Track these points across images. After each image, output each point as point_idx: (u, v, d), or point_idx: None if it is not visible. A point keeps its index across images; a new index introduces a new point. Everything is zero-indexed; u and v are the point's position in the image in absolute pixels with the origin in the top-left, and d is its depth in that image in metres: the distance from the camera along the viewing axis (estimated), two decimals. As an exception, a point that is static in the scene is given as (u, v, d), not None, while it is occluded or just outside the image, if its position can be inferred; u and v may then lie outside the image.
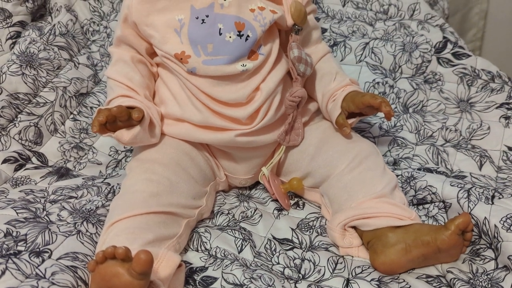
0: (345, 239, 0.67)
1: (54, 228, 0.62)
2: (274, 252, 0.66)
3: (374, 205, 0.67)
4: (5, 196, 0.71)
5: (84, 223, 0.65)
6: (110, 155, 0.90)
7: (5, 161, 0.78)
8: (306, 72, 0.73)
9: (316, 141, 0.76)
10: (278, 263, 0.64)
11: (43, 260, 0.56)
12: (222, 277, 0.61)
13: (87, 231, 0.64)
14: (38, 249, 0.58)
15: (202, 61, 0.68)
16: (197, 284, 0.60)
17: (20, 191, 0.74)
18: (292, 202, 0.79)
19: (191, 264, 0.64)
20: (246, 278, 0.59)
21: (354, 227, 0.68)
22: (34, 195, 0.72)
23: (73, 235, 0.62)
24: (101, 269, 0.50)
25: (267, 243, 0.68)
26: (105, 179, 0.79)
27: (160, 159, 0.71)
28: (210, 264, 0.63)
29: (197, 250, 0.67)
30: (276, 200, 0.78)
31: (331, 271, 0.63)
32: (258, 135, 0.73)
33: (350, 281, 0.61)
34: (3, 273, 0.53)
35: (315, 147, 0.76)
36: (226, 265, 0.62)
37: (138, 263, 0.48)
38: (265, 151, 0.78)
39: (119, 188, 0.75)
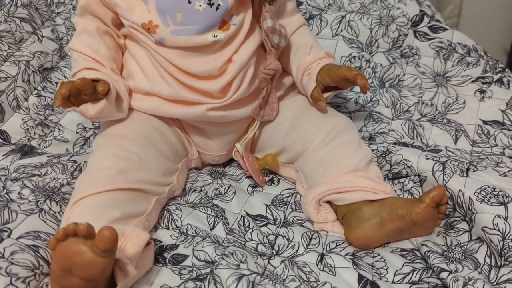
0: (319, 214, 0.66)
1: (14, 207, 0.59)
2: (247, 229, 0.65)
3: (349, 179, 0.65)
4: (-37, 175, 0.67)
5: (47, 201, 0.61)
6: (77, 133, 0.86)
7: (-37, 138, 0.74)
8: (280, 43, 0.70)
9: (291, 116, 0.74)
10: (252, 240, 0.63)
11: (2, 239, 0.53)
12: (193, 254, 0.59)
13: (50, 209, 0.60)
14: None
15: (171, 31, 0.65)
16: (167, 262, 0.58)
17: (-21, 170, 0.70)
18: (266, 178, 0.77)
19: (161, 242, 0.62)
20: (218, 255, 0.57)
21: (329, 202, 0.67)
22: (-7, 173, 0.68)
23: (35, 213, 0.59)
24: (62, 247, 0.47)
25: (240, 219, 0.66)
26: (71, 156, 0.75)
27: (128, 135, 0.67)
28: (181, 241, 0.61)
29: (168, 228, 0.64)
30: (250, 177, 0.76)
31: (305, 247, 0.62)
32: (230, 109, 0.71)
33: (325, 256, 0.60)
34: None
35: (290, 122, 0.74)
36: (197, 242, 0.60)
37: (102, 240, 0.46)
38: (238, 126, 0.75)
39: (86, 165, 0.72)
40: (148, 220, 0.62)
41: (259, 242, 0.62)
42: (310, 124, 0.72)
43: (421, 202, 0.61)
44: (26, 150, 0.78)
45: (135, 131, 0.68)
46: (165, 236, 0.63)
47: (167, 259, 0.59)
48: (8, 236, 0.54)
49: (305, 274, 0.57)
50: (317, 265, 0.59)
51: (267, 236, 0.64)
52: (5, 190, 0.62)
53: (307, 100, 0.76)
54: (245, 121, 0.75)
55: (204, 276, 0.55)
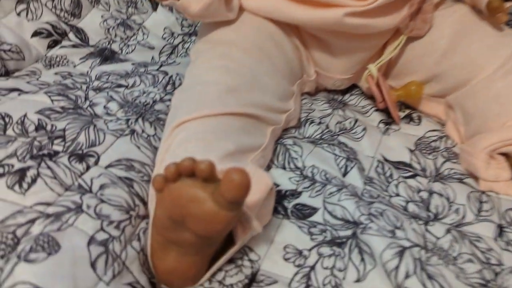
0: (489, 170, 0.49)
1: (100, 124, 0.46)
2: (389, 179, 0.49)
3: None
4: (37, 78, 0.55)
5: (140, 120, 0.48)
6: (163, 38, 0.71)
7: (36, 33, 0.61)
8: None
9: (450, 32, 0.55)
10: (398, 195, 0.47)
11: (88, 167, 0.41)
12: (325, 208, 0.44)
13: (143, 131, 0.47)
14: (81, 151, 0.42)
15: None
16: (289, 214, 0.44)
17: (56, 74, 0.57)
18: (401, 114, 0.60)
19: (277, 186, 0.48)
20: (363, 214, 0.42)
21: (506, 155, 0.49)
22: (73, 79, 0.55)
23: (126, 135, 0.46)
24: (173, 190, 0.34)
25: (377, 166, 0.51)
26: (160, 66, 0.61)
27: (238, 42, 0.52)
28: (306, 188, 0.47)
29: (284, 168, 0.50)
30: (381, 110, 0.59)
31: (476, 213, 0.45)
32: (373, 16, 0.52)
33: (504, 229, 0.44)
34: (34, 181, 0.37)
35: (448, 40, 0.55)
36: (331, 193, 0.45)
37: (230, 186, 0.31)
38: (375, 42, 0.57)
39: (180, 79, 0.58)
40: (263, 156, 0.48)
41: (408, 200, 0.47)
42: (480, 45, 0.53)
43: None
44: (106, 55, 0.65)
45: (246, 38, 0.52)
46: (282, 178, 0.48)
47: (289, 210, 0.45)
48: (96, 163, 0.41)
49: (482, 252, 0.42)
50: (495, 240, 0.43)
51: (417, 192, 0.48)
52: (87, 102, 0.49)
53: (472, 12, 0.55)
54: (385, 36, 0.57)
55: (344, 240, 0.41)
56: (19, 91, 0.50)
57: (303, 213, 0.44)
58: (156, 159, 0.44)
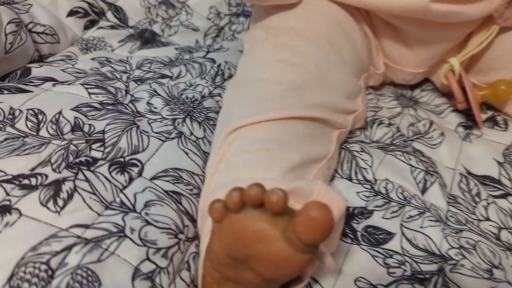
0: None
1: (144, 125, 0.40)
2: (477, 198, 0.41)
3: None
4: (73, 65, 0.49)
5: (187, 120, 0.42)
6: (209, 19, 0.64)
7: (72, 13, 0.55)
8: None
9: (555, 23, 0.46)
10: (488, 219, 0.40)
11: (131, 179, 0.35)
12: (403, 234, 0.37)
13: (191, 133, 0.41)
14: (122, 159, 0.36)
15: None
16: (359, 238, 0.38)
17: (93, 59, 0.51)
18: (483, 116, 0.52)
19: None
20: (453, 247, 0.36)
21: None
22: (111, 67, 0.49)
23: (173, 138, 0.39)
24: (235, 223, 0.28)
25: (460, 180, 0.43)
26: (207, 53, 0.54)
27: (302, 30, 0.44)
28: (378, 207, 0.40)
29: (350, 179, 0.43)
30: (457, 111, 0.51)
31: None
32: (464, 2, 0.44)
33: None
34: (70, 196, 0.32)
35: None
36: (411, 216, 0.38)
37: (310, 227, 0.25)
38: (459, 31, 0.49)
39: (229, 69, 0.51)
40: (328, 168, 0.41)
41: (501, 226, 0.39)
42: None
43: None
44: (147, 37, 0.58)
45: (312, 26, 0.45)
46: (348, 192, 0.42)
47: (359, 233, 0.38)
48: (139, 173, 0.35)
49: None
50: None
51: (511, 217, 0.40)
52: (129, 97, 0.43)
53: None
54: (472, 25, 0.49)
55: (428, 276, 0.35)
56: (54, 81, 0.45)
57: (376, 238, 0.38)
58: (206, 169, 0.38)
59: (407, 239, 0.37)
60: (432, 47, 0.50)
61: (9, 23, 0.46)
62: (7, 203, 0.31)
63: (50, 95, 0.42)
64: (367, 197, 0.41)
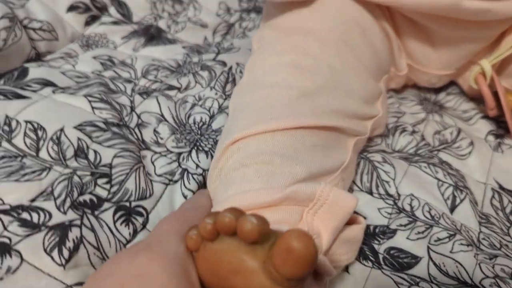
0: None
1: (147, 162, 0.36)
2: (511, 217, 0.37)
3: None
4: (73, 65, 0.46)
5: (193, 152, 0.38)
6: (218, 15, 0.60)
7: (72, 8, 0.52)
8: None
9: None
10: (525, 243, 0.36)
11: (135, 232, 0.32)
12: (431, 258, 0.34)
13: (197, 166, 0.37)
14: (128, 203, 0.33)
15: None
16: (381, 261, 0.34)
17: (95, 58, 0.48)
18: (514, 123, 0.47)
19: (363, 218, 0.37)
20: (487, 277, 0.32)
21: None
22: (115, 71, 0.46)
23: (176, 181, 0.36)
24: (211, 253, 0.24)
25: (492, 196, 0.39)
26: (217, 54, 0.50)
27: (316, 30, 0.40)
28: (401, 226, 0.36)
29: (371, 193, 0.39)
30: (487, 117, 0.47)
31: None
32: None
33: None
34: (76, 248, 0.29)
35: None
36: (439, 239, 0.34)
37: (288, 260, 0.21)
38: (491, 31, 0.45)
39: (241, 72, 0.47)
40: (343, 179, 0.37)
41: (540, 251, 0.35)
42: None
43: None
44: (152, 34, 0.55)
45: (326, 26, 0.41)
46: (368, 208, 0.38)
47: (380, 255, 0.34)
48: (143, 225, 0.32)
49: None
50: None
51: (550, 240, 0.36)
52: (133, 116, 0.39)
53: None
54: (504, 25, 0.44)
55: (459, 309, 0.31)
56: (54, 85, 0.41)
57: (400, 262, 0.34)
58: (207, 187, 0.34)
59: (435, 265, 0.33)
60: (460, 48, 0.46)
61: (2, 18, 0.42)
62: (7, 241, 0.28)
63: (49, 105, 0.38)
64: (390, 214, 0.37)
